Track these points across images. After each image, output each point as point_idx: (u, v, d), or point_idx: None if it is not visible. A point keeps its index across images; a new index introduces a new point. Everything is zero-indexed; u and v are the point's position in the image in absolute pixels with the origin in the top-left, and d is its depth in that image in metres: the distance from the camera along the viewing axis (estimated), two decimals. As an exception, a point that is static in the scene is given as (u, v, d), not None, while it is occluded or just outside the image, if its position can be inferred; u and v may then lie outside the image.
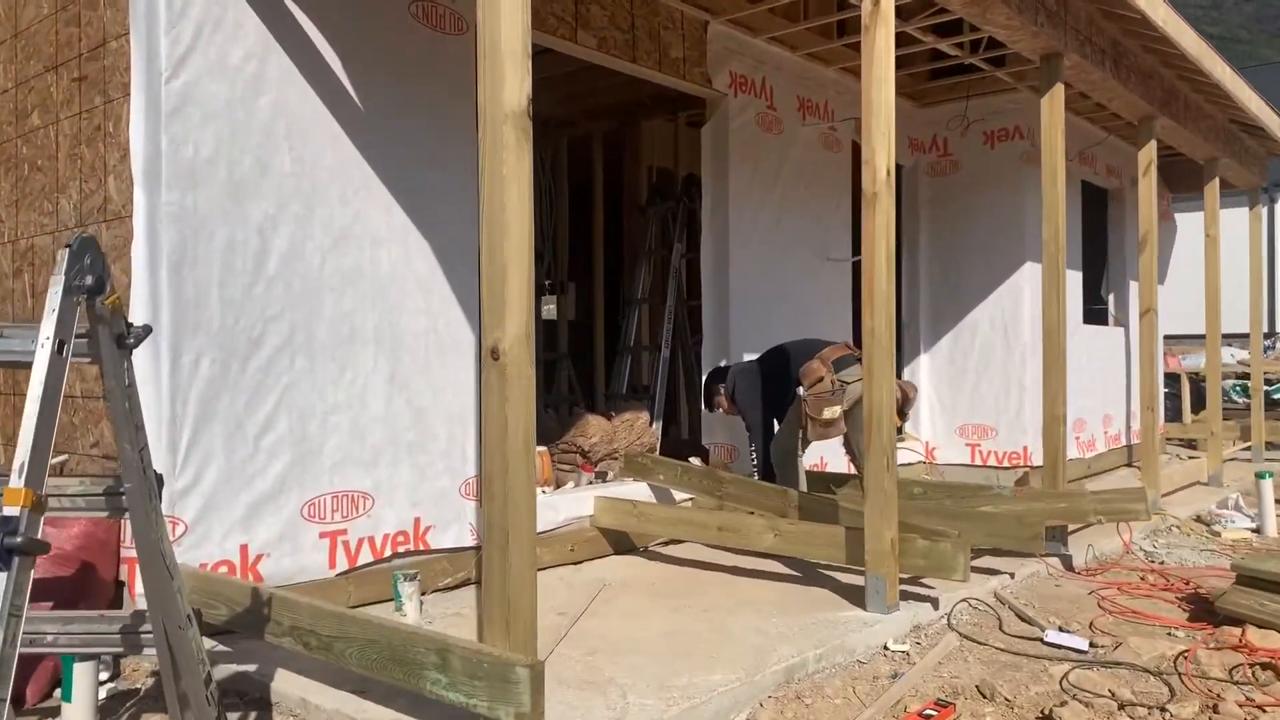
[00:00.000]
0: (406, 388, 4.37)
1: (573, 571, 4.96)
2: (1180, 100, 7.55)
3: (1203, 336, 9.22)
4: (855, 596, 4.25)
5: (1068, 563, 5.39)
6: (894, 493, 4.08)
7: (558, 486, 5.56)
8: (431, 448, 4.44)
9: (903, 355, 8.48)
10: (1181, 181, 10.60)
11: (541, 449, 5.19)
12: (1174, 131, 7.60)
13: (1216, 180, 8.73)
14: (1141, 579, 5.31)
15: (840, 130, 7.38)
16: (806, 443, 5.62)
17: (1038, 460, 7.94)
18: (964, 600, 4.43)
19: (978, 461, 8.07)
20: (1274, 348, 21.13)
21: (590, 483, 5.59)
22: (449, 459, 4.51)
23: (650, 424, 6.25)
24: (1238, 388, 14.52)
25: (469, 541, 4.56)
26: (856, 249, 8.03)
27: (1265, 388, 14.67)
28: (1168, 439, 11.12)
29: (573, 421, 5.92)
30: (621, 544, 5.37)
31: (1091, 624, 4.33)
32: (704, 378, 6.23)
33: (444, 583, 4.45)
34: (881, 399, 4.09)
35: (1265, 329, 19.27)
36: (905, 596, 4.22)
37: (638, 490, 5.54)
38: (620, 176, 8.73)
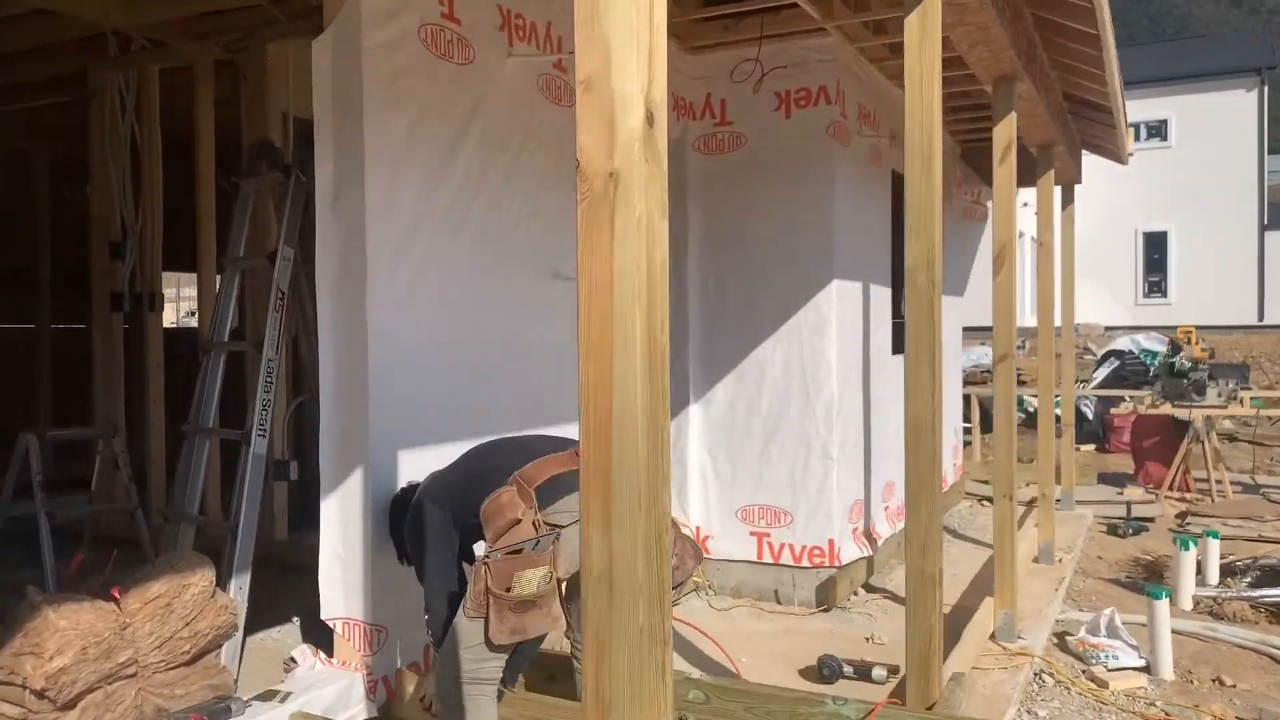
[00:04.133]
0: None
1: None
2: (1038, 60, 5.46)
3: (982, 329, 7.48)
4: None
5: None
6: None
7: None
8: None
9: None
10: (990, 171, 8.80)
11: None
12: (1028, 103, 5.51)
13: (1052, 173, 6.85)
14: None
15: (572, 69, 4.68)
16: (499, 648, 2.91)
17: (848, 557, 5.69)
18: None
19: (767, 558, 5.70)
20: (1023, 347, 20.93)
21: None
22: None
23: (215, 592, 3.30)
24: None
25: None
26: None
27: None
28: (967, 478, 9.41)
29: (18, 618, 2.88)
30: None
31: None
32: (390, 513, 3.49)
33: None
34: None
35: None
36: None
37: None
38: (238, 132, 5.61)
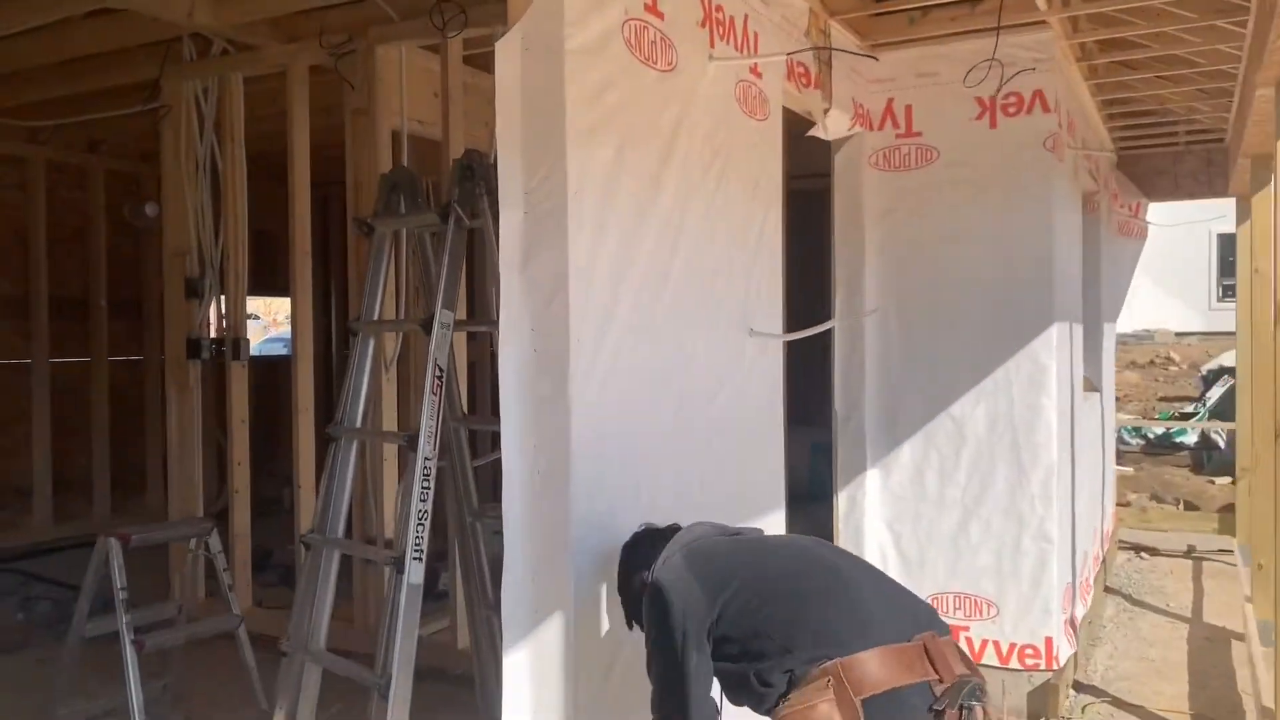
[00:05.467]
0: None
1: None
2: None
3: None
4: None
5: None
6: None
7: None
8: None
9: (835, 471, 5.06)
10: (1154, 183, 7.84)
11: None
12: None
13: (1274, 183, 5.85)
14: None
15: (767, 77, 3.78)
16: None
17: (1065, 655, 4.76)
18: None
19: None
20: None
21: None
22: None
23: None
24: (1128, 427, 12.30)
25: None
26: (804, 315, 4.54)
27: (1163, 427, 12.63)
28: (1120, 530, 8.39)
29: None
30: None
31: None
32: (622, 558, 2.60)
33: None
34: None
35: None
36: None
37: None
38: (340, 151, 4.75)
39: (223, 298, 5.06)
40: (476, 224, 3.11)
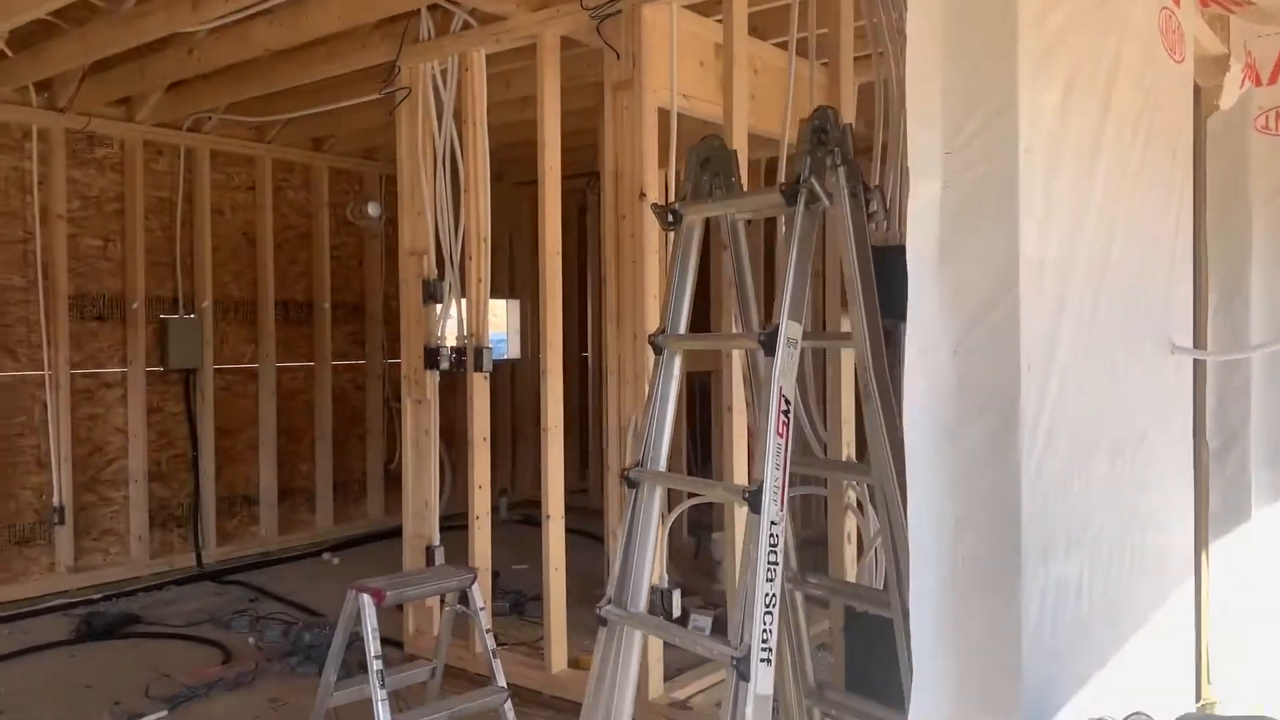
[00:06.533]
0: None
1: None
2: None
3: None
4: None
5: None
6: None
7: None
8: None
9: (1199, 518, 3.98)
10: None
11: None
12: None
13: None
14: None
15: (1184, 5, 2.82)
16: None
17: None
18: None
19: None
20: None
21: None
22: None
23: None
24: None
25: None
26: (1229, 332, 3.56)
27: None
28: None
29: None
30: None
31: None
32: None
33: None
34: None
35: None
36: None
37: None
38: (572, 140, 4.10)
39: (463, 302, 4.52)
40: (828, 205, 2.32)
